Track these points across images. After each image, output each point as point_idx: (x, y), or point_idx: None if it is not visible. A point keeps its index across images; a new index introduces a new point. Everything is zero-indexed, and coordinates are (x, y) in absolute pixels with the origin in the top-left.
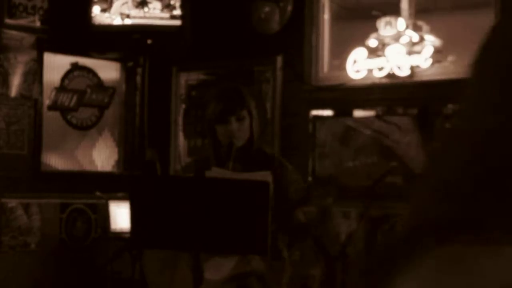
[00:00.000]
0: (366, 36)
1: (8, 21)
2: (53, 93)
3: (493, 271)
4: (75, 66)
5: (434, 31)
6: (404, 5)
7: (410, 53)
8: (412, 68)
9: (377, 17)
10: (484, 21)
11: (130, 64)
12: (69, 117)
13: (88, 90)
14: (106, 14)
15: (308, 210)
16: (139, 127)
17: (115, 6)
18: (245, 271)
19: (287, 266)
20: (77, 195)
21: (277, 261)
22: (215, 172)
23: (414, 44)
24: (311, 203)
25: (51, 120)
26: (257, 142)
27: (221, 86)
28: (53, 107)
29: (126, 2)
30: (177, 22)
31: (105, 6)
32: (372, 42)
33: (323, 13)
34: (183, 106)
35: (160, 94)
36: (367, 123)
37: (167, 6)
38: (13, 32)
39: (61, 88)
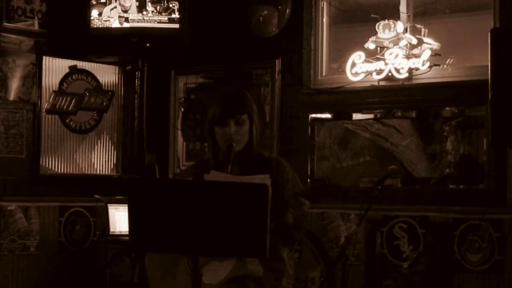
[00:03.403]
0: (364, 39)
1: (6, 24)
2: (52, 97)
3: None
4: (73, 70)
5: (432, 34)
6: (403, 8)
7: (408, 56)
8: (410, 71)
9: (376, 20)
10: (482, 24)
11: (129, 67)
12: (67, 120)
13: (87, 94)
14: (105, 17)
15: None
16: (137, 131)
17: (105, 11)
18: (242, 274)
19: (287, 268)
20: (76, 198)
21: (277, 262)
22: (213, 175)
23: (412, 47)
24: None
25: (50, 123)
26: (256, 147)
27: (225, 89)
28: (51, 110)
29: (115, 7)
30: (176, 26)
31: (103, 9)
32: (371, 45)
33: (322, 16)
34: (182, 109)
35: (158, 97)
36: (366, 126)
37: (166, 10)
38: (12, 36)
39: (60, 91)
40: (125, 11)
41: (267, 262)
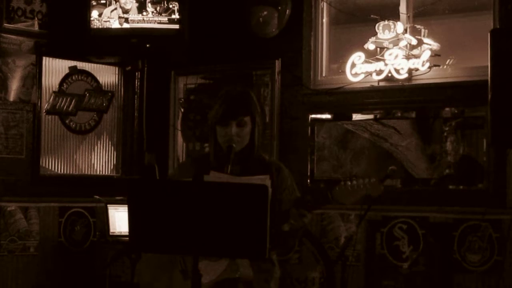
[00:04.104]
0: (364, 39)
1: (6, 25)
2: (52, 97)
3: None
4: (73, 70)
5: (432, 34)
6: (403, 8)
7: (408, 56)
8: (410, 71)
9: (376, 20)
10: (482, 24)
11: (129, 68)
12: (67, 121)
13: (87, 94)
14: (105, 18)
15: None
16: (137, 131)
17: (105, 12)
18: (233, 277)
19: (275, 270)
20: (76, 199)
21: (267, 264)
22: (213, 176)
23: (412, 47)
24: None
25: (50, 124)
26: (258, 150)
27: (230, 88)
28: (51, 111)
29: (115, 9)
30: (176, 26)
31: (103, 10)
32: (371, 45)
33: (322, 17)
34: (182, 110)
35: (158, 98)
36: (366, 126)
37: (166, 10)
38: (12, 36)
39: (60, 92)
40: (125, 13)
41: (258, 263)
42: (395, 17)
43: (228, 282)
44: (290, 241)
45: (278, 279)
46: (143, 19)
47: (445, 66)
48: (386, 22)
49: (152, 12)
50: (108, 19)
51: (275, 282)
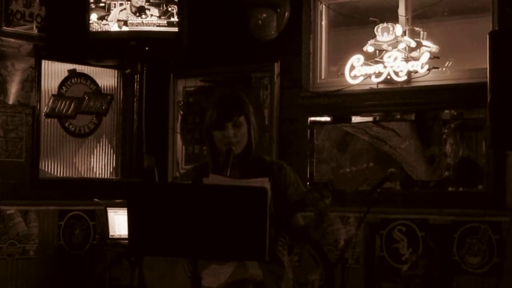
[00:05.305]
0: (363, 42)
1: (5, 28)
2: (51, 101)
3: None
4: (72, 73)
5: (431, 36)
6: (401, 11)
7: (407, 59)
8: (409, 73)
9: (375, 23)
10: (481, 27)
11: (128, 71)
12: (67, 124)
13: (86, 97)
14: (104, 21)
15: (307, 215)
16: (137, 134)
17: (113, 12)
18: (242, 278)
19: (286, 272)
20: (75, 202)
21: (276, 266)
22: (213, 179)
23: (411, 49)
24: (307, 206)
25: (49, 127)
26: (256, 150)
27: (220, 92)
28: (51, 114)
29: (124, 9)
30: (175, 29)
31: (102, 13)
32: (370, 48)
33: (321, 19)
34: (181, 112)
35: (157, 100)
36: (365, 128)
37: (165, 13)
38: (11, 40)
39: (59, 95)
40: (135, 13)
41: (267, 265)
42: (394, 19)
43: (238, 284)
44: (302, 238)
45: (291, 281)
46: (142, 22)
47: (444, 68)
48: (385, 24)
49: (151, 15)
50: (107, 22)
51: (287, 285)
